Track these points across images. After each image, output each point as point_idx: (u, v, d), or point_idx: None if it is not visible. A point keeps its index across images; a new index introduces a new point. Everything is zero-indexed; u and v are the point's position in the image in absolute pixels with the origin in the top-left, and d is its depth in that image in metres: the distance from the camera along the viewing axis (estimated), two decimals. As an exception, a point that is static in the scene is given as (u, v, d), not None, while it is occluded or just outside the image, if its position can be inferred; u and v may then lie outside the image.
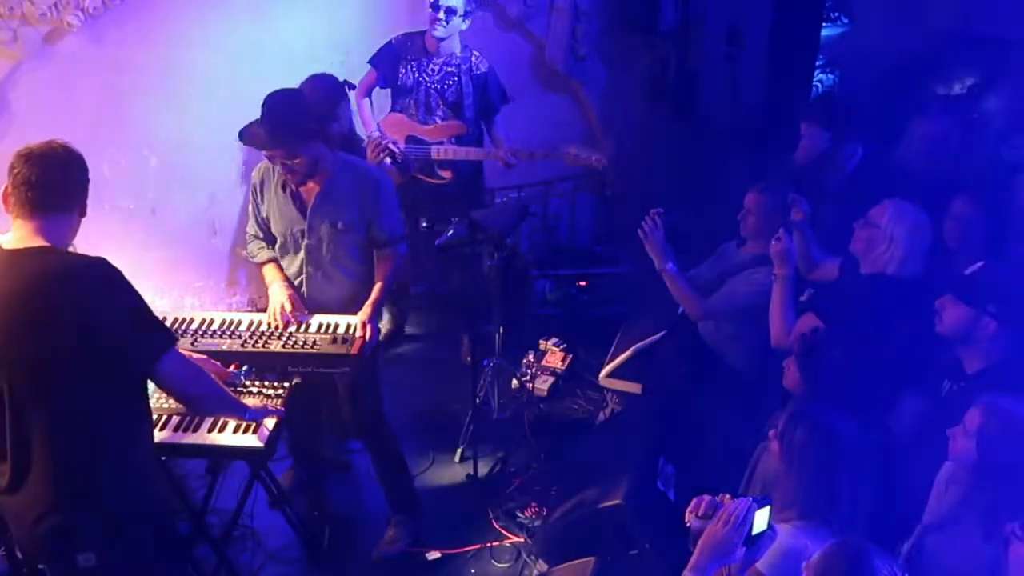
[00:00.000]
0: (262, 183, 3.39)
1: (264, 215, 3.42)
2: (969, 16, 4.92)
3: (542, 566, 3.40)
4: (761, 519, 2.11)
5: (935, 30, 5.02)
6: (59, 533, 2.26)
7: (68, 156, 2.27)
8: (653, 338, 4.25)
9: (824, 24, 5.08)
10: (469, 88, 4.56)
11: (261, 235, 3.48)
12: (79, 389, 2.21)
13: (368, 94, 4.65)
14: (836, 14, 5.38)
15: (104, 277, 2.21)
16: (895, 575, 1.92)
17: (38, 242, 2.22)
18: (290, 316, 3.28)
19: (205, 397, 2.50)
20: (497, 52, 4.88)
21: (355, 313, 3.31)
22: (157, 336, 2.31)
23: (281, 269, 3.45)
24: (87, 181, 2.31)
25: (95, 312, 2.16)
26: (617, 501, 3.13)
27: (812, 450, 2.36)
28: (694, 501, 2.27)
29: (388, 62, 4.55)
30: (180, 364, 2.36)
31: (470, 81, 4.56)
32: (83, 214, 2.31)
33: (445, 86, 4.55)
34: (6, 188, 2.25)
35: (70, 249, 2.34)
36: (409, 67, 4.52)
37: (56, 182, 2.23)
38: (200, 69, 4.64)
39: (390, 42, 4.56)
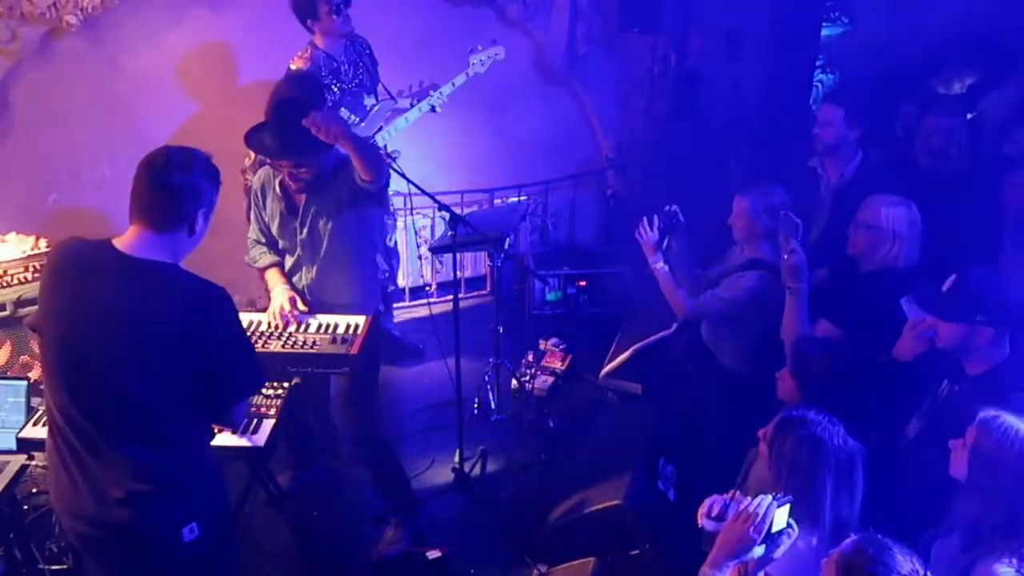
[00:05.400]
0: (263, 189, 3.39)
1: (267, 219, 3.42)
2: (969, 16, 4.92)
3: (542, 566, 3.40)
4: (780, 517, 2.12)
5: (935, 30, 5.02)
6: (162, 513, 2.27)
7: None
8: (653, 338, 4.25)
9: (824, 24, 5.09)
10: (367, 60, 4.44)
11: (264, 240, 3.48)
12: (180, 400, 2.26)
13: None
14: (836, 14, 5.39)
15: (228, 304, 2.34)
16: (916, 572, 1.90)
17: (160, 257, 2.31)
18: (290, 316, 3.28)
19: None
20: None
21: (357, 312, 3.31)
22: (258, 371, 2.44)
23: (283, 272, 3.44)
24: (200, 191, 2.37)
25: (216, 337, 2.28)
26: (617, 501, 3.14)
27: (800, 461, 2.34)
28: (706, 502, 2.26)
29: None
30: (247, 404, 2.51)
31: (365, 53, 4.44)
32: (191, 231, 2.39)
33: (359, 75, 4.39)
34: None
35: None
36: (332, 84, 4.27)
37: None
38: (199, 69, 4.64)
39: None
